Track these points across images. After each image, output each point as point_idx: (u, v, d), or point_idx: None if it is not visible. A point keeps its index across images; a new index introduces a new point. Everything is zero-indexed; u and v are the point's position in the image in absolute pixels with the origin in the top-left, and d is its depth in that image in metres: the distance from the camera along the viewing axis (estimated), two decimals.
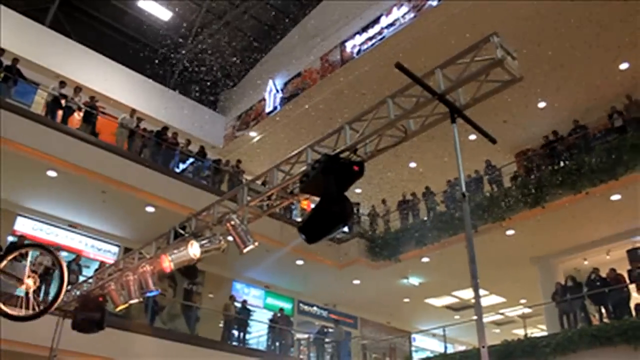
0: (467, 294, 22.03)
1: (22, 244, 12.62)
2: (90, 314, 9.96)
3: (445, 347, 19.85)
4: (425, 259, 19.08)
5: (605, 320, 14.87)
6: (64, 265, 5.96)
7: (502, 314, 23.60)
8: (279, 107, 21.36)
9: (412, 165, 21.12)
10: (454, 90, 5.63)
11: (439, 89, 5.57)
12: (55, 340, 9.98)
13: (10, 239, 15.09)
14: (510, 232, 17.07)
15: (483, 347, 4.49)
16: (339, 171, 5.75)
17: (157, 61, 22.86)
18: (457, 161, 5.30)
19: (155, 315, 16.16)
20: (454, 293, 22.67)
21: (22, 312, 5.79)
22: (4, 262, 5.82)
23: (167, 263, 7.41)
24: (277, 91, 21.70)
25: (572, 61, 16.36)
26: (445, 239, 17.75)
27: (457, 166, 5.35)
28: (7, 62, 15.49)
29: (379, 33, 17.83)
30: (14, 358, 12.47)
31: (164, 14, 22.99)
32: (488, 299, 22.07)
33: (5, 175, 13.86)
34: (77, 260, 15.80)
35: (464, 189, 5.20)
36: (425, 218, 19.30)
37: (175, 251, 7.47)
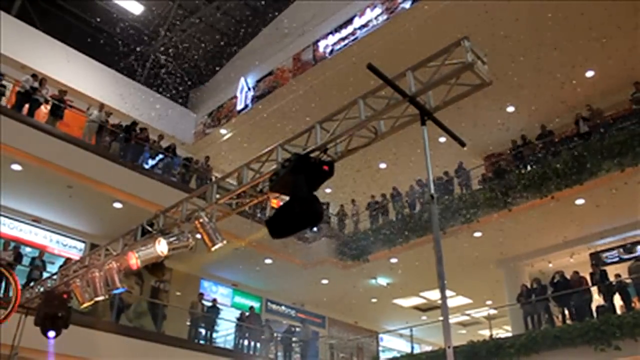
0: (435, 294, 22.24)
1: None
2: (53, 311, 9.79)
3: (412, 348, 20.05)
4: (393, 260, 19.21)
5: (568, 321, 15.20)
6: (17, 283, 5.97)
7: (468, 314, 23.92)
8: (250, 105, 21.29)
9: (382, 165, 21.25)
10: (424, 93, 5.67)
11: (410, 91, 5.61)
12: (16, 337, 9.77)
13: None
14: (477, 234, 17.29)
15: (449, 347, 4.54)
16: (308, 171, 5.75)
17: (127, 55, 22.58)
18: (426, 163, 5.34)
19: (121, 312, 15.95)
20: (422, 294, 22.88)
21: None
22: None
23: (134, 260, 7.32)
24: (249, 89, 21.62)
25: (541, 67, 16.65)
26: (414, 240, 17.92)
27: (426, 168, 5.40)
28: None
29: (352, 34, 17.89)
30: None
31: (136, 8, 22.71)
32: (455, 300, 22.32)
33: None
34: (41, 256, 15.54)
35: (432, 190, 5.23)
36: (394, 219, 19.45)
37: (143, 248, 7.39)
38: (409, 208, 19.18)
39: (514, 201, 16.04)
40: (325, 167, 5.86)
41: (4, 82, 15.77)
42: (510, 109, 18.54)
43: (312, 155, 6.06)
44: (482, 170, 18.93)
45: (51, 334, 9.61)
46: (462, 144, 5.86)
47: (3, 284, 12.83)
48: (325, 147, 6.14)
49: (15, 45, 18.55)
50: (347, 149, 6.30)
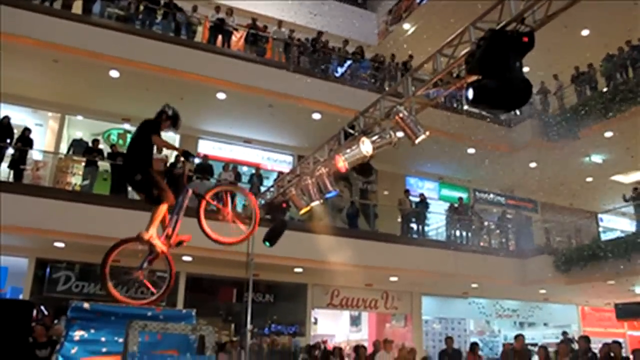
0: None
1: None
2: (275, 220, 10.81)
3: (638, 226, 18.61)
4: (608, 134, 17.67)
5: None
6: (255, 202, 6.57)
7: None
8: None
9: (585, 32, 19.21)
10: None
11: None
12: (249, 246, 10.80)
13: (197, 160, 16.26)
14: None
15: None
16: (507, 45, 5.34)
17: None
18: None
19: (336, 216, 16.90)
20: None
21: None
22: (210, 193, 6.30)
23: (342, 163, 7.53)
24: None
25: None
26: (631, 109, 16.25)
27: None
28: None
29: None
30: (222, 264, 14.02)
31: None
32: None
33: (184, 103, 14.94)
34: (257, 173, 16.91)
35: None
36: (605, 89, 17.73)
37: (348, 150, 7.56)
38: (622, 74, 17.30)
39: None
40: (525, 39, 5.39)
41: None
42: None
43: (508, 28, 5.63)
44: None
45: (266, 244, 10.70)
46: None
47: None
48: (521, 17, 5.65)
49: None
50: (547, 15, 5.72)
